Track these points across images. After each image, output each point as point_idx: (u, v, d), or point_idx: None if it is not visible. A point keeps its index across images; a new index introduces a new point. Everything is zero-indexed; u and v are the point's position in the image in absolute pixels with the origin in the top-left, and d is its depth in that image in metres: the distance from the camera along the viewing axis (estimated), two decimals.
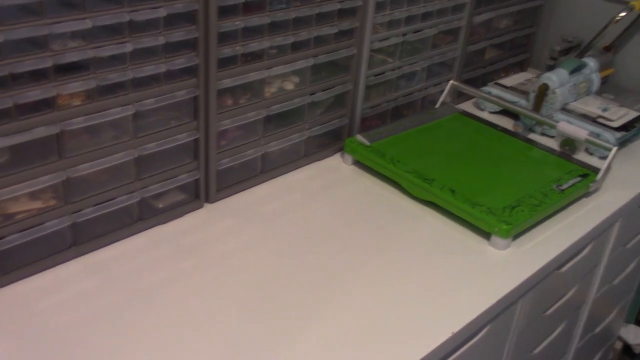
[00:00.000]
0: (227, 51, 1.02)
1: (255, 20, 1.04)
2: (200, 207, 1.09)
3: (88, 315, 0.85)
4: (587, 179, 1.20)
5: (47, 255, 0.92)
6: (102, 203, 0.95)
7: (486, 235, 1.07)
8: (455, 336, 0.88)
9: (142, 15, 0.90)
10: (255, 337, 0.84)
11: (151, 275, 0.93)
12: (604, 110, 1.42)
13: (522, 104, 1.45)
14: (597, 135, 1.30)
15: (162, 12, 0.91)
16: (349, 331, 0.86)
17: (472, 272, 1.00)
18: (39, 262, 0.91)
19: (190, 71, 0.99)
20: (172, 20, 0.94)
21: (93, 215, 0.94)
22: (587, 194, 1.21)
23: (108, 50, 0.88)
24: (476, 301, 0.94)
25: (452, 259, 1.02)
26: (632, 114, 1.42)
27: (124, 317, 0.85)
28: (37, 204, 0.89)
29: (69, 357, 0.79)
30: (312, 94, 1.19)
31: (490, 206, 1.08)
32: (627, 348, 1.89)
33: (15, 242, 0.87)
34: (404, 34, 1.32)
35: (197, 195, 1.08)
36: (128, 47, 0.90)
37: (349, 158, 1.26)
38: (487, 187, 1.16)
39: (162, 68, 0.95)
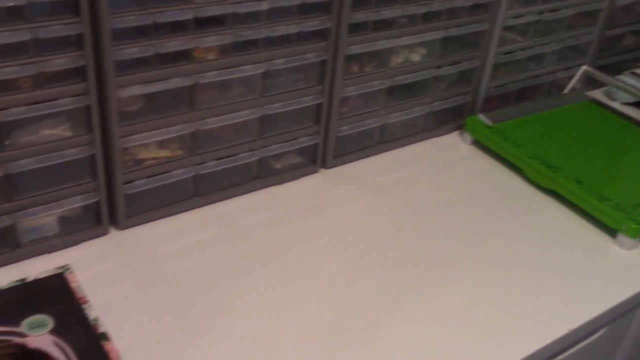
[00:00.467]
0: (360, 16, 1.00)
1: None
2: (316, 171, 1.09)
3: (204, 264, 0.87)
4: None
5: (170, 203, 0.95)
6: (224, 158, 0.97)
7: (611, 232, 1.01)
8: (570, 334, 0.84)
9: None
10: (360, 305, 0.83)
11: (264, 233, 0.94)
12: None
13: None
14: None
15: None
16: (456, 317, 0.84)
17: (594, 270, 0.94)
18: (162, 208, 0.94)
19: (321, 34, 0.98)
20: None
21: (215, 169, 0.96)
22: None
23: (246, 7, 0.88)
24: (596, 300, 0.89)
25: (572, 253, 0.97)
26: None
27: (237, 270, 0.87)
28: (165, 153, 0.92)
29: (184, 301, 0.81)
30: (438, 68, 1.16)
31: (619, 202, 1.01)
32: None
33: (141, 187, 0.90)
34: (540, 13, 1.25)
35: (314, 159, 1.08)
36: (264, 5, 0.90)
37: (468, 137, 1.22)
38: (615, 181, 1.09)
39: (295, 29, 0.94)
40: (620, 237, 0.99)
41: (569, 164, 1.10)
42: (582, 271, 0.94)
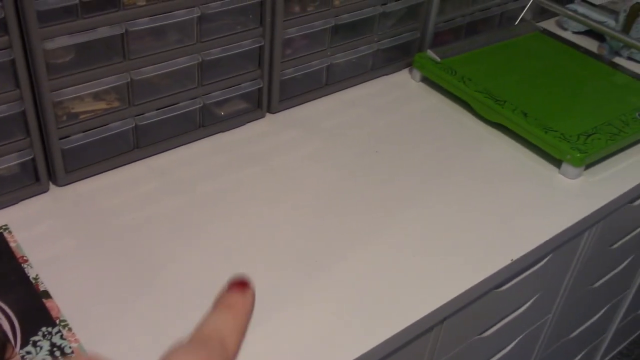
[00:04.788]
0: None
1: None
2: (262, 117, 1.08)
3: (148, 217, 0.87)
4: None
5: (111, 156, 0.93)
6: (164, 107, 0.95)
7: (557, 162, 1.02)
8: (513, 264, 0.86)
9: None
10: (312, 247, 0.84)
11: (211, 181, 0.94)
12: None
13: (610, 24, 1.35)
14: None
15: None
16: (404, 250, 0.85)
17: (539, 200, 0.96)
18: (102, 162, 0.93)
19: None
20: None
21: (156, 119, 0.94)
22: None
23: None
24: (540, 229, 0.90)
25: (518, 184, 0.98)
26: None
27: (184, 221, 0.86)
28: (101, 105, 0.90)
29: (128, 255, 0.81)
30: (383, 4, 1.13)
31: (564, 132, 1.02)
32: None
33: (79, 142, 0.88)
34: None
35: (260, 104, 1.06)
36: None
37: (417, 74, 1.21)
38: (563, 112, 1.09)
39: None
40: (565, 166, 1.00)
41: (516, 97, 1.10)
42: (527, 201, 0.95)
